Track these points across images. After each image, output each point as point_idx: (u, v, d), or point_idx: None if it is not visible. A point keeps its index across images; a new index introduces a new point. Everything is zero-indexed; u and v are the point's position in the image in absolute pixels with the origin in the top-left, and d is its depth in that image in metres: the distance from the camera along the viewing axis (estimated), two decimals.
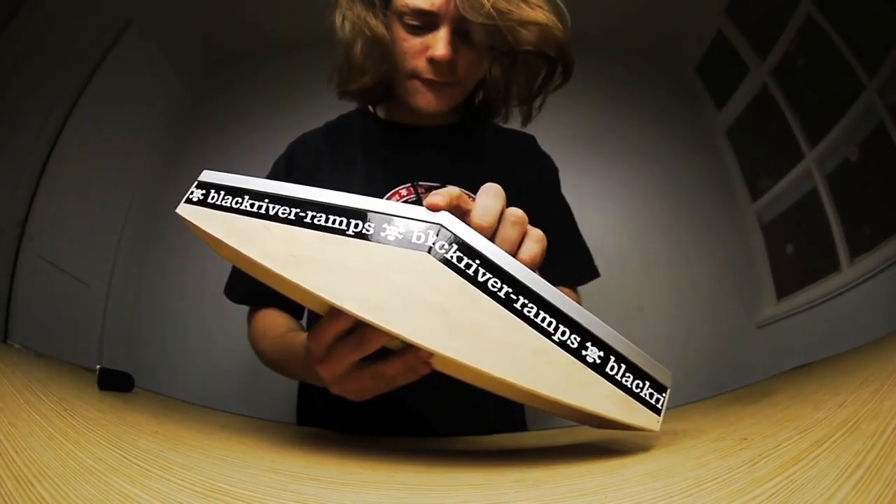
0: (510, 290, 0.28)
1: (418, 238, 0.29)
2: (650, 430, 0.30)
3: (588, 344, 0.29)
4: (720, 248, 1.29)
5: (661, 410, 0.30)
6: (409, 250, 0.29)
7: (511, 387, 0.28)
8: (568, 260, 0.64)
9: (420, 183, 0.61)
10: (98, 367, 0.51)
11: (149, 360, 1.18)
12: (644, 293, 1.25)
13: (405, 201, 0.59)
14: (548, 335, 0.28)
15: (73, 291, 1.11)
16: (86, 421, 0.33)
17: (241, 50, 1.43)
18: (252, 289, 0.60)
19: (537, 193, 0.65)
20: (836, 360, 0.56)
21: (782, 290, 1.17)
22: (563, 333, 0.29)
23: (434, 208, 0.30)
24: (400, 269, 0.28)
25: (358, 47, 0.57)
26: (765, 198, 1.23)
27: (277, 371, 0.59)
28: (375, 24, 0.55)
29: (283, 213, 0.30)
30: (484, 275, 0.28)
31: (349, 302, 0.28)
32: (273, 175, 0.66)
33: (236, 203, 0.31)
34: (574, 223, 0.68)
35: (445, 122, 0.66)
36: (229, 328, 1.11)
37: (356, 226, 0.29)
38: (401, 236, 0.29)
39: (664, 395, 0.31)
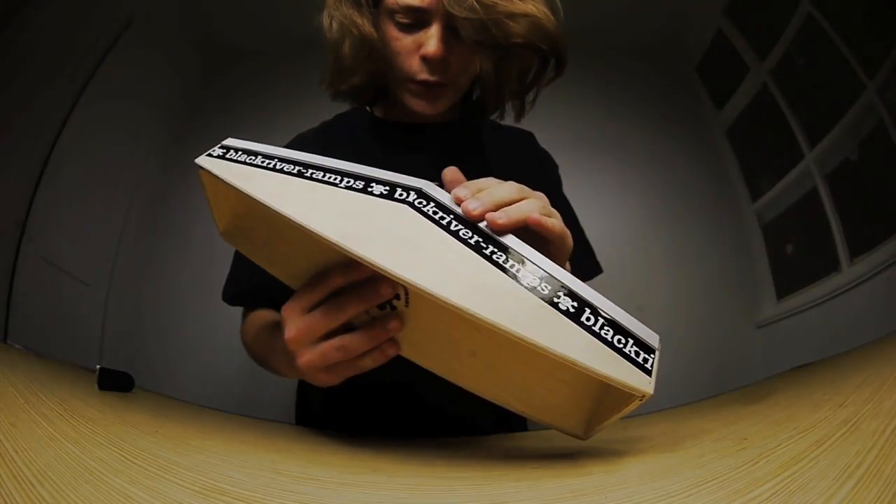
0: (480, 239, 0.30)
1: (400, 195, 0.32)
2: (643, 393, 0.27)
3: (560, 293, 0.28)
4: (720, 248, 1.29)
5: (651, 371, 0.28)
6: (391, 202, 0.32)
7: (476, 323, 0.27)
8: (573, 258, 0.64)
9: None
10: (98, 367, 0.51)
11: (149, 360, 1.18)
12: (644, 293, 1.25)
13: None
14: (516, 280, 0.28)
15: (73, 291, 1.11)
16: (86, 421, 0.33)
17: (241, 50, 1.43)
18: (245, 290, 0.61)
19: (542, 191, 0.65)
20: (836, 360, 0.56)
21: (782, 290, 1.17)
22: (533, 281, 0.28)
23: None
24: (380, 213, 0.31)
25: (346, 47, 0.56)
26: (765, 198, 1.23)
27: (261, 364, 0.59)
28: (363, 22, 0.54)
29: (287, 169, 0.34)
30: (457, 226, 0.30)
31: (328, 229, 0.30)
32: None
33: (249, 160, 0.35)
34: (576, 220, 0.67)
35: (443, 120, 0.65)
36: (229, 328, 1.11)
37: (348, 182, 0.33)
38: (386, 192, 0.32)
39: (652, 356, 0.28)
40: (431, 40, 0.52)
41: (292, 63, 1.41)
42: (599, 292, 0.30)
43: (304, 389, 0.71)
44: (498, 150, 0.68)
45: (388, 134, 0.65)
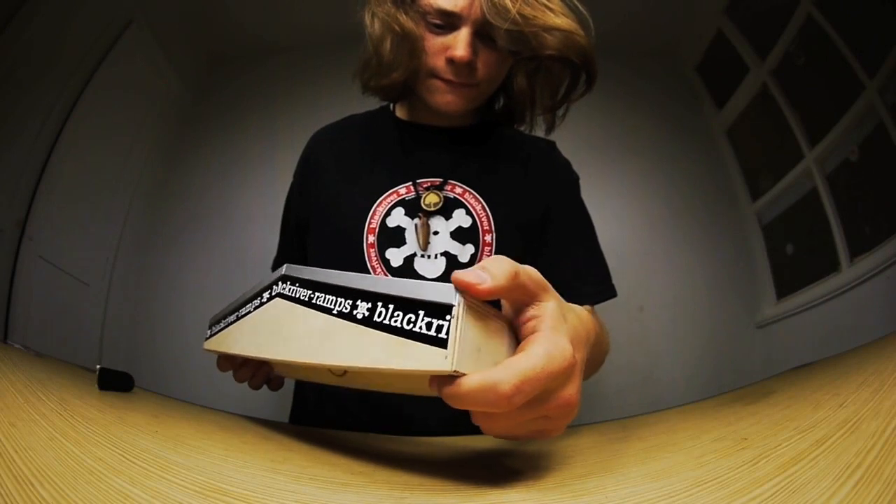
0: (310, 291, 0.34)
1: (272, 292, 0.39)
2: (443, 372, 0.25)
3: (358, 301, 0.29)
4: (720, 248, 1.29)
5: (447, 341, 0.24)
6: (270, 301, 0.39)
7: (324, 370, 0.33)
8: (590, 283, 0.61)
9: (420, 181, 0.61)
10: (98, 367, 0.51)
11: (149, 360, 1.18)
12: (644, 293, 1.25)
13: (403, 199, 0.60)
14: (328, 311, 0.31)
15: (73, 291, 1.11)
16: (86, 421, 0.33)
17: (241, 50, 1.43)
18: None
19: (555, 200, 0.64)
20: (836, 360, 0.56)
21: (782, 290, 1.18)
22: (339, 303, 0.31)
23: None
24: (271, 316, 0.39)
25: (388, 44, 0.57)
26: (765, 198, 1.23)
27: None
28: (405, 20, 0.55)
29: (231, 320, 0.46)
30: (317, 297, 0.33)
31: (250, 350, 0.42)
32: (296, 171, 0.71)
33: (220, 327, 0.49)
34: (595, 237, 0.65)
35: (463, 124, 0.66)
36: None
37: (253, 304, 0.42)
38: (266, 297, 0.40)
39: (447, 318, 0.25)
40: (460, 44, 0.53)
41: (292, 62, 1.41)
42: None
43: (299, 395, 0.72)
44: (514, 156, 0.67)
45: (410, 134, 0.66)
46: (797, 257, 1.15)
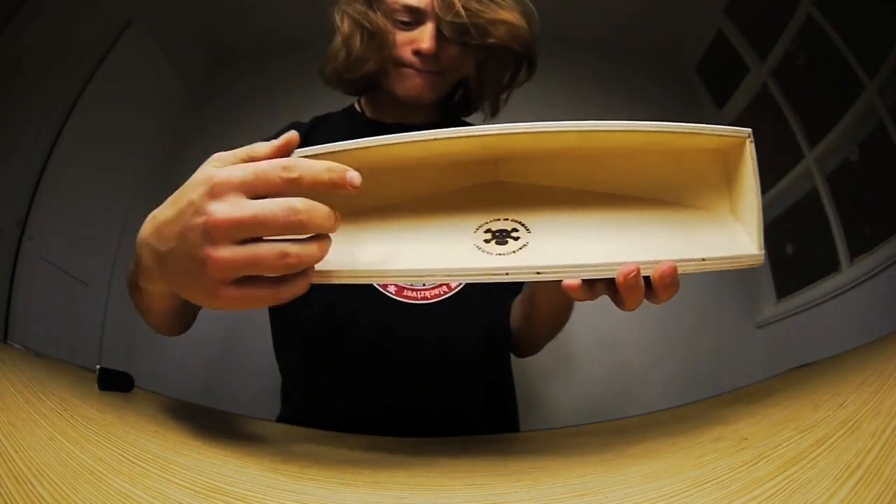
0: None
1: None
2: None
3: None
4: None
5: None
6: None
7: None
8: None
9: None
10: (98, 367, 0.51)
11: (149, 360, 1.18)
12: None
13: None
14: None
15: (73, 291, 1.11)
16: (86, 421, 0.33)
17: (241, 50, 1.43)
18: None
19: None
20: (836, 360, 0.56)
21: (782, 290, 1.17)
22: None
23: None
24: None
25: (358, 39, 0.61)
26: (765, 197, 1.23)
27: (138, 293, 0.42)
28: (375, 17, 0.60)
29: None
30: None
31: None
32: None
33: None
34: None
35: (426, 121, 0.69)
36: (230, 328, 1.10)
37: None
38: None
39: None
40: (426, 37, 0.58)
41: (294, 63, 1.41)
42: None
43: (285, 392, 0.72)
44: None
45: (382, 131, 0.68)
46: (797, 257, 1.15)
